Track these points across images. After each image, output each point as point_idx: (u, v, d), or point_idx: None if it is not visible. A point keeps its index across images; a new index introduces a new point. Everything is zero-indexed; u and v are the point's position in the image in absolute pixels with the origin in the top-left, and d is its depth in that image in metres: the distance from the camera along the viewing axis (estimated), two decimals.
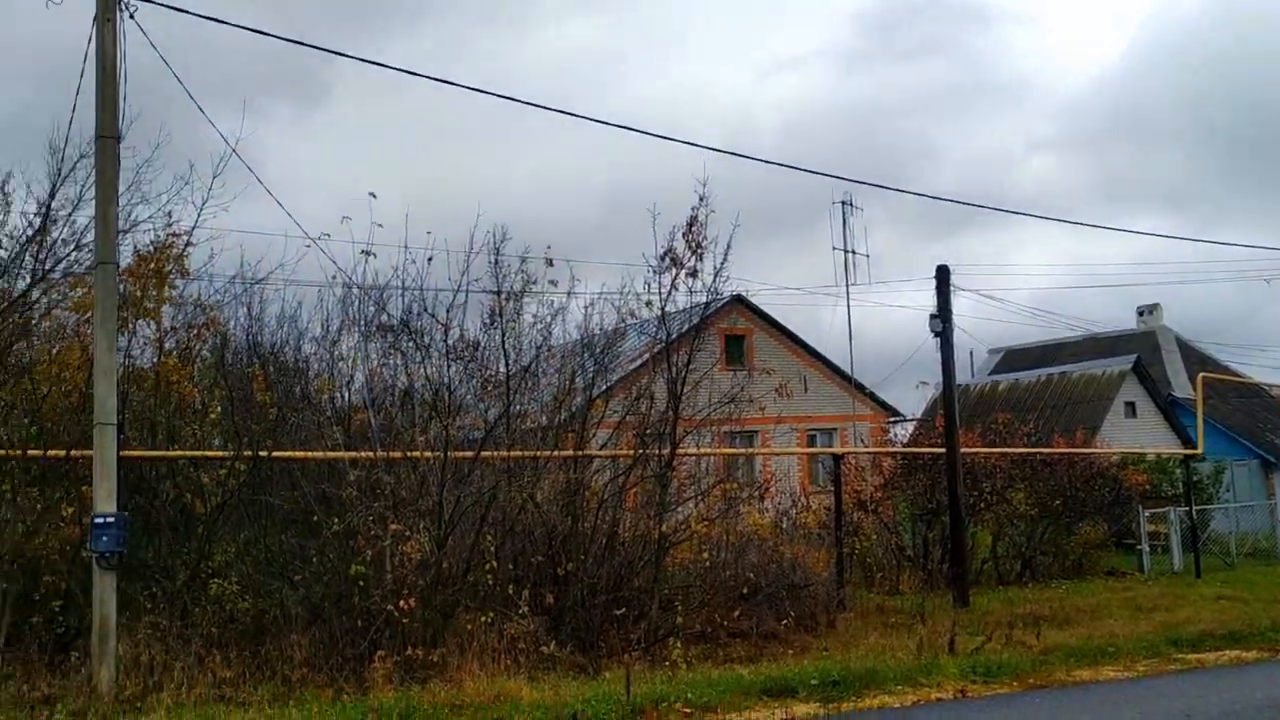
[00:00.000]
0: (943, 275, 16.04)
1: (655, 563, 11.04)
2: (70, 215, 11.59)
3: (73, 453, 9.85)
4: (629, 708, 8.14)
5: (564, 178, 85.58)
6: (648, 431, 11.50)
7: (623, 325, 12.32)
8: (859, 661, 9.95)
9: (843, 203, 26.06)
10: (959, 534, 15.63)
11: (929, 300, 16.13)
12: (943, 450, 16.37)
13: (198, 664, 9.25)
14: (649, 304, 11.70)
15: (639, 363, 12.88)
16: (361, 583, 9.65)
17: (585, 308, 12.22)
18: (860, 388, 28.04)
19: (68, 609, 9.90)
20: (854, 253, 25.92)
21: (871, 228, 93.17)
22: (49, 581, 9.97)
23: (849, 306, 26.27)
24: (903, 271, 71.26)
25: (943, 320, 15.85)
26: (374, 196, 10.81)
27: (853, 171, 79.77)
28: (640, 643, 10.59)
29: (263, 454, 10.37)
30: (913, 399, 31.14)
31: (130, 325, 12.00)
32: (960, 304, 18.18)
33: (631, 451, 11.57)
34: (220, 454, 10.86)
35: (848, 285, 25.65)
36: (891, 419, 29.80)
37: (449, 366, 10.92)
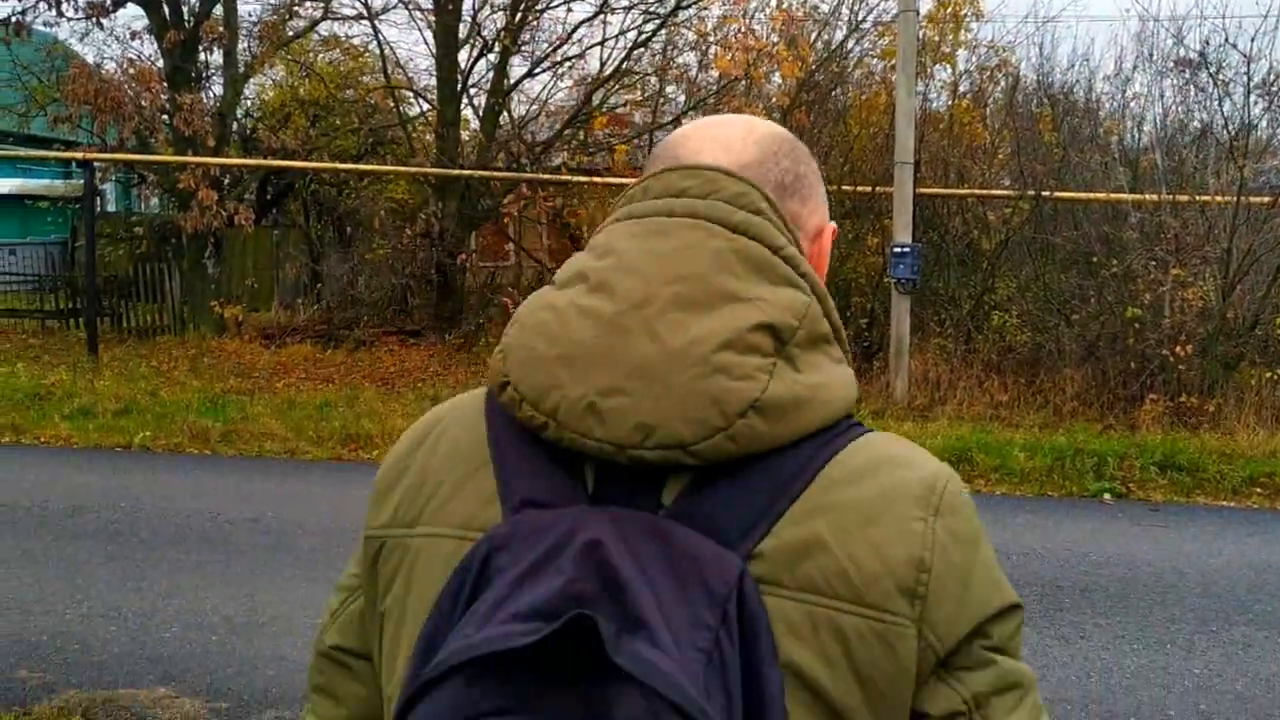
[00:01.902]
0: None
1: None
2: None
3: (876, 189, 11.80)
4: None
5: None
6: None
7: None
8: None
9: None
10: None
11: None
12: None
13: (977, 385, 10.92)
14: None
15: None
16: (1137, 325, 10.37)
17: None
18: None
19: (872, 326, 12.23)
20: None
21: None
22: (857, 302, 12.38)
23: None
24: None
25: None
26: None
27: None
28: None
29: (1046, 194, 11.37)
30: None
31: (928, 70, 13.55)
32: None
33: None
34: (1006, 193, 12.07)
35: None
36: None
37: (1251, 104, 10.69)
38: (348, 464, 8.42)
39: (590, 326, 0.87)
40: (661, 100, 16.54)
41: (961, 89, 13.91)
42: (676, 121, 16.19)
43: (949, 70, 14.00)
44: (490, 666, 0.72)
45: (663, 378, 0.84)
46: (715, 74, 15.60)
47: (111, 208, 25.47)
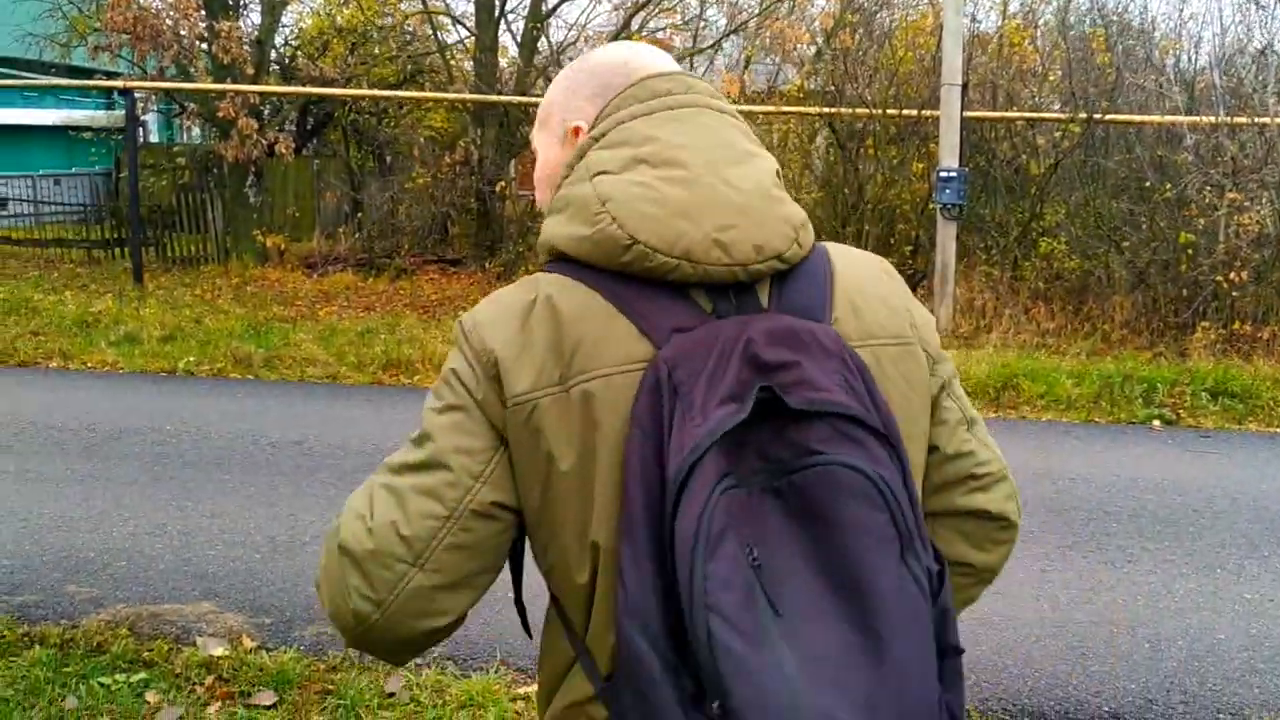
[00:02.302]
0: None
1: None
2: None
3: (922, 112, 11.52)
4: None
5: None
6: None
7: None
8: None
9: None
10: None
11: None
12: None
13: (1023, 313, 10.73)
14: None
15: None
16: (1190, 251, 10.13)
17: None
18: None
19: (916, 254, 12.02)
20: None
21: None
22: (901, 230, 12.17)
23: None
24: None
25: None
26: None
27: None
28: None
29: (1098, 116, 11.06)
30: None
31: None
32: None
33: None
34: (1056, 116, 11.75)
35: None
36: None
37: None
38: (389, 388, 8.42)
39: (682, 189, 1.15)
40: (701, 24, 16.23)
41: (1011, 9, 13.52)
42: (716, 46, 15.91)
43: None
44: (719, 440, 1.02)
45: (753, 210, 1.16)
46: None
47: (154, 138, 25.54)
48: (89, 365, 8.98)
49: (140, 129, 24.05)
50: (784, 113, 12.39)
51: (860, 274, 1.25)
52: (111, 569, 4.63)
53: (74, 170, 21.20)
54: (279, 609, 4.27)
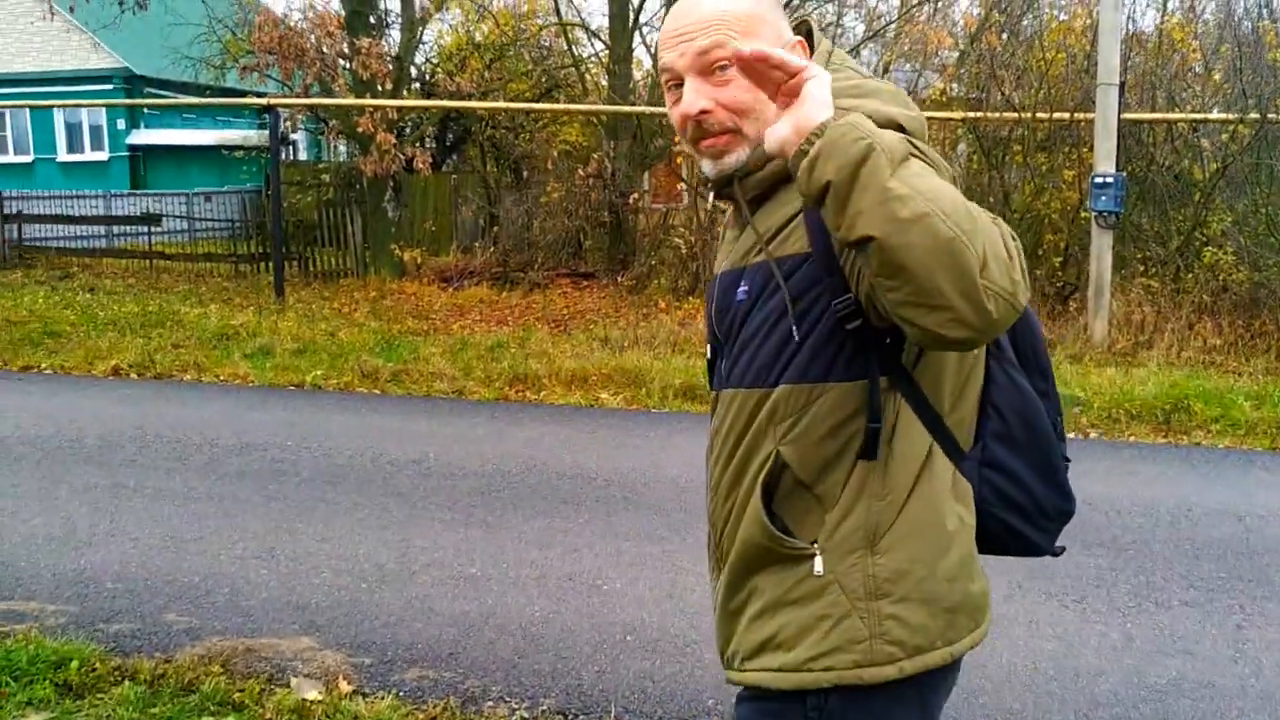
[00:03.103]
0: None
1: None
2: None
3: (1075, 115, 10.71)
4: None
5: None
6: None
7: None
8: None
9: None
10: None
11: None
12: None
13: (1187, 329, 9.81)
14: None
15: None
16: None
17: None
18: None
19: (1066, 265, 11.18)
20: None
21: None
22: (1050, 240, 11.34)
23: None
24: None
25: None
26: None
27: None
28: None
29: (1271, 116, 10.09)
30: None
31: None
32: None
33: None
34: (1223, 118, 10.78)
35: None
36: None
37: None
38: (514, 404, 8.08)
39: None
40: (839, 31, 15.60)
41: (1170, 5, 12.53)
42: (854, 52, 15.26)
43: None
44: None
45: None
46: (896, 2, 14.61)
47: (303, 156, 26.12)
48: (221, 378, 8.90)
49: (290, 147, 24.65)
50: (928, 118, 11.70)
51: None
52: (214, 596, 4.35)
53: (226, 188, 21.70)
54: (380, 647, 3.90)
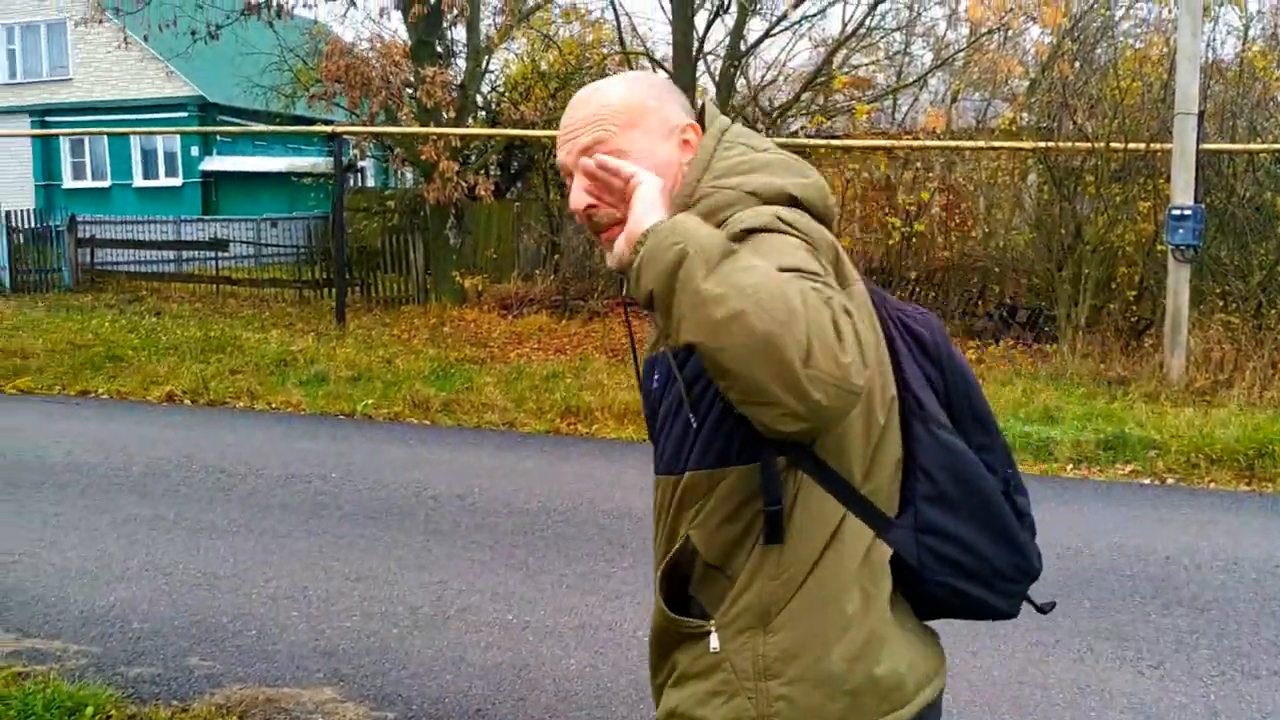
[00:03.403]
0: None
1: None
2: None
3: (1151, 145, 10.29)
4: None
5: None
6: None
7: None
8: None
9: None
10: None
11: None
12: None
13: (1270, 367, 9.32)
14: None
15: None
16: None
17: None
18: None
19: (1141, 299, 10.74)
20: None
21: None
22: (1124, 273, 10.90)
23: None
24: None
25: None
26: None
27: None
28: None
29: None
30: None
31: (1212, 11, 11.80)
32: None
33: None
34: None
35: None
36: None
37: None
38: (565, 437, 7.88)
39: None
40: (906, 60, 15.29)
41: (1252, 33, 12.06)
42: (922, 81, 14.95)
43: (1237, 12, 12.14)
44: None
45: None
46: (965, 30, 14.28)
47: (371, 183, 26.32)
48: (273, 405, 8.81)
49: (358, 174, 24.86)
50: (994, 148, 11.36)
51: None
52: (240, 639, 4.17)
53: (294, 214, 21.90)
54: (405, 700, 3.68)
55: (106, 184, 26.96)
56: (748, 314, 1.16)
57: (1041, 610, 1.60)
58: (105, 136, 25.66)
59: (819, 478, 1.39)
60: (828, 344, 1.17)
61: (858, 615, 1.40)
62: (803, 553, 1.39)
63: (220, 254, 17.63)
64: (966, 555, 1.44)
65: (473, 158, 17.09)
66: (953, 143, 11.78)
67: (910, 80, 14.30)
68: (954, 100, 14.21)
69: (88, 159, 27.24)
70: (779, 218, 1.34)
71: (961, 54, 13.66)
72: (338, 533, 5.44)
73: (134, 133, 24.51)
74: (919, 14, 14.87)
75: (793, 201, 1.39)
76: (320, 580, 4.78)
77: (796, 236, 1.33)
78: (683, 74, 14.54)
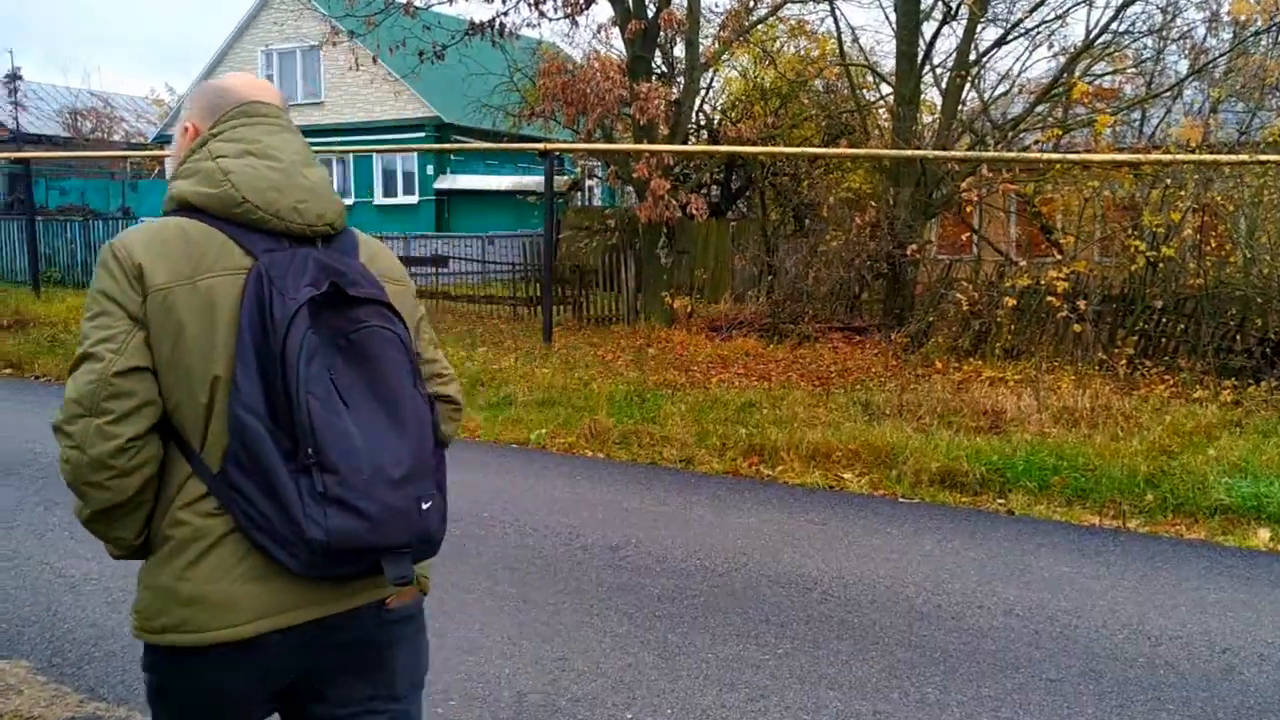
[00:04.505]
0: None
1: None
2: None
3: None
4: None
5: None
6: None
7: None
8: None
9: None
10: None
11: None
12: None
13: None
14: None
15: None
16: None
17: None
18: None
19: None
20: None
21: None
22: None
23: None
24: None
25: None
26: None
27: None
28: None
29: None
30: None
31: None
32: None
33: None
34: None
35: None
36: None
37: None
38: (744, 479, 7.07)
39: (279, 173, 1.86)
40: (1158, 66, 13.59)
41: None
42: (1176, 90, 13.25)
43: None
44: (306, 306, 1.74)
45: (319, 194, 1.89)
46: (1227, 35, 12.54)
47: (597, 201, 26.25)
48: None
49: (583, 193, 24.78)
50: (1259, 162, 9.74)
51: (375, 244, 2.02)
52: None
53: (518, 231, 21.99)
54: None
55: (350, 201, 28.13)
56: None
57: (401, 582, 1.80)
58: (351, 156, 26.69)
59: (177, 443, 1.82)
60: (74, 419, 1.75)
61: (186, 541, 1.79)
62: (163, 499, 1.82)
63: (440, 270, 17.76)
64: (255, 511, 1.74)
65: (691, 176, 16.52)
66: (1210, 156, 10.21)
67: (1163, 89, 12.66)
68: (1213, 110, 12.47)
69: (336, 178, 28.50)
70: (110, 253, 1.81)
71: (1224, 58, 11.96)
72: (465, 585, 4.85)
73: (371, 151, 25.38)
74: (1174, 15, 13.14)
75: (188, 207, 1.88)
76: (432, 647, 4.18)
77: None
78: (905, 85, 13.46)
